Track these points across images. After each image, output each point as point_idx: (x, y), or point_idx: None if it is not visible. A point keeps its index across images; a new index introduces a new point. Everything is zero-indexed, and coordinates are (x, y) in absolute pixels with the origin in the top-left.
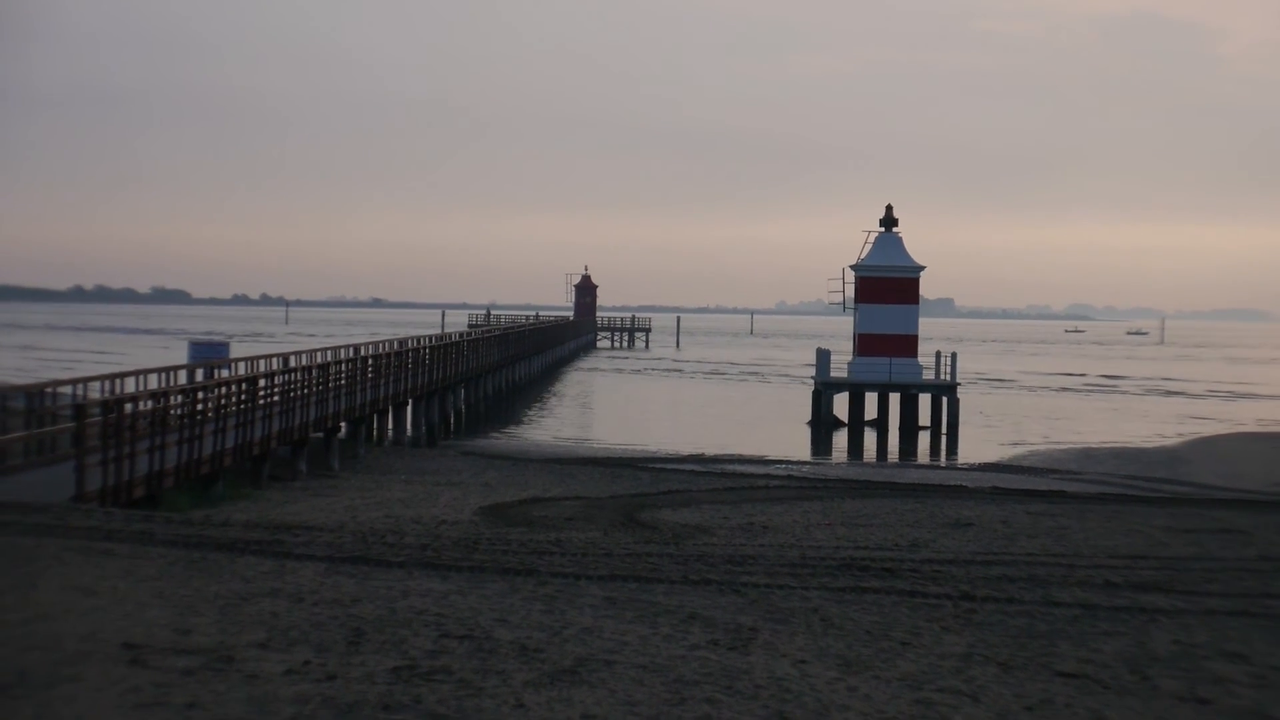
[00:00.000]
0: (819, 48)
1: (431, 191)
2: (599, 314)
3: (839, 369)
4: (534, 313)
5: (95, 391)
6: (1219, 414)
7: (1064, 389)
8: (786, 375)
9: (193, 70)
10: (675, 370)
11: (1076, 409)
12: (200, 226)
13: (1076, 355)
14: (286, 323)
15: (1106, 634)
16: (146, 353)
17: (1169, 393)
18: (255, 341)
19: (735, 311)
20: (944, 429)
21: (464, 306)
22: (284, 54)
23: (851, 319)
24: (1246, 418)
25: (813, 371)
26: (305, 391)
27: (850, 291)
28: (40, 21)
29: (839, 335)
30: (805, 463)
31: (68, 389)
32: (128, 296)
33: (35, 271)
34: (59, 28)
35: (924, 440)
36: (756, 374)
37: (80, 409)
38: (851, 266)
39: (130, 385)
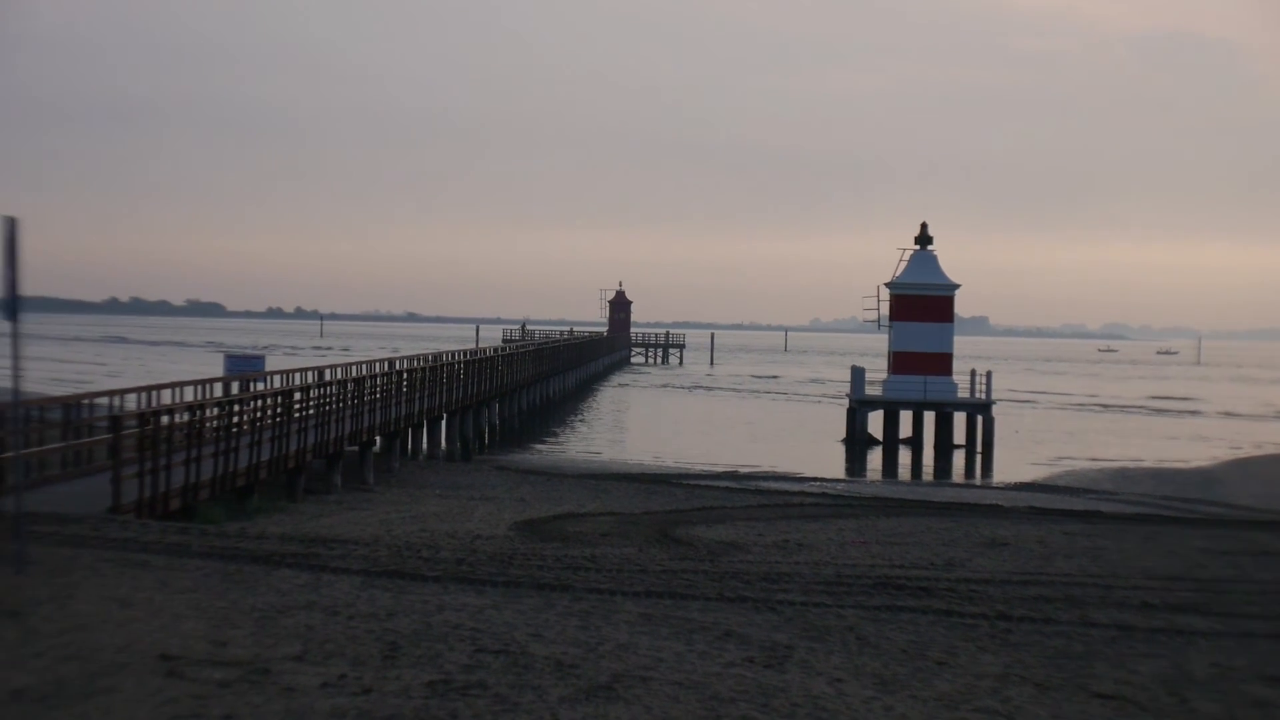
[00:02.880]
0: (854, 64)
1: (467, 206)
2: (633, 330)
3: (874, 387)
4: (569, 328)
5: (131, 403)
6: (1251, 435)
7: (1098, 408)
8: (821, 393)
9: (228, 82)
10: (709, 386)
11: (1110, 428)
12: (235, 240)
13: (1109, 375)
14: (321, 336)
15: (1144, 655)
16: (182, 365)
17: (1198, 413)
18: (290, 355)
19: (769, 328)
20: (979, 448)
21: (499, 321)
22: (321, 67)
23: (886, 337)
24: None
25: (847, 389)
26: (340, 405)
27: (885, 309)
28: (59, 32)
29: (873, 353)
30: (840, 480)
31: (104, 400)
32: (162, 309)
33: (70, 283)
34: (81, 38)
35: (959, 459)
36: (791, 391)
37: (116, 421)
38: (886, 284)
39: (166, 397)
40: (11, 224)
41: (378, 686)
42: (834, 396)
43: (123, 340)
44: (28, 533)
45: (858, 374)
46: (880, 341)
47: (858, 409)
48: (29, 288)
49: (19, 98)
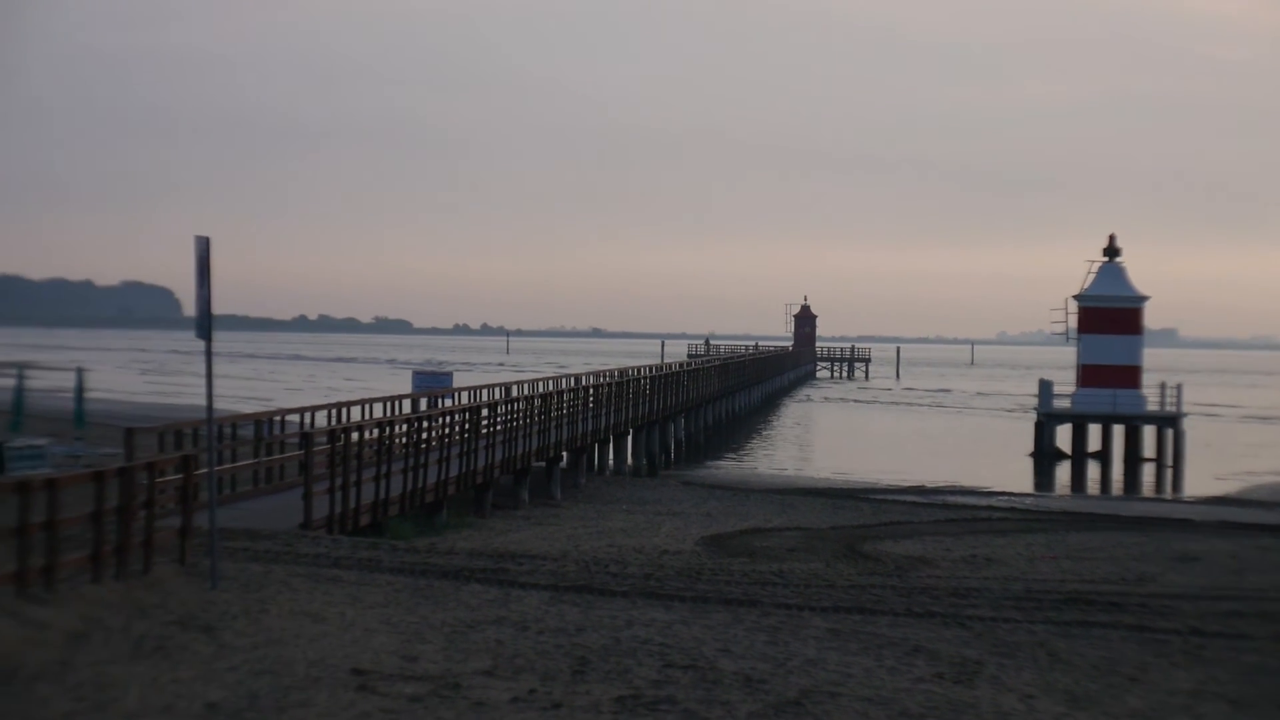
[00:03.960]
0: (1037, 75)
1: (649, 223)
2: (818, 344)
3: (1061, 400)
4: (753, 343)
5: (321, 420)
6: None
7: None
8: (1001, 406)
9: (410, 103)
10: (895, 401)
11: None
12: (423, 258)
13: None
14: (507, 352)
15: None
16: (353, 382)
17: None
18: (476, 371)
19: (955, 342)
20: (1169, 461)
21: (683, 336)
22: (493, 84)
23: (1074, 350)
24: None
25: (1034, 403)
26: (527, 421)
27: (1073, 322)
28: (244, 58)
29: (1060, 366)
30: (1027, 495)
31: (294, 417)
32: (350, 326)
33: (259, 302)
34: (266, 62)
35: (1148, 472)
36: (977, 405)
37: (307, 437)
38: (1074, 297)
39: (355, 414)
40: (204, 243)
41: (567, 701)
42: (1008, 410)
43: (299, 357)
44: (221, 549)
45: (1045, 387)
46: (1068, 355)
47: (1046, 422)
48: (220, 307)
49: (210, 122)
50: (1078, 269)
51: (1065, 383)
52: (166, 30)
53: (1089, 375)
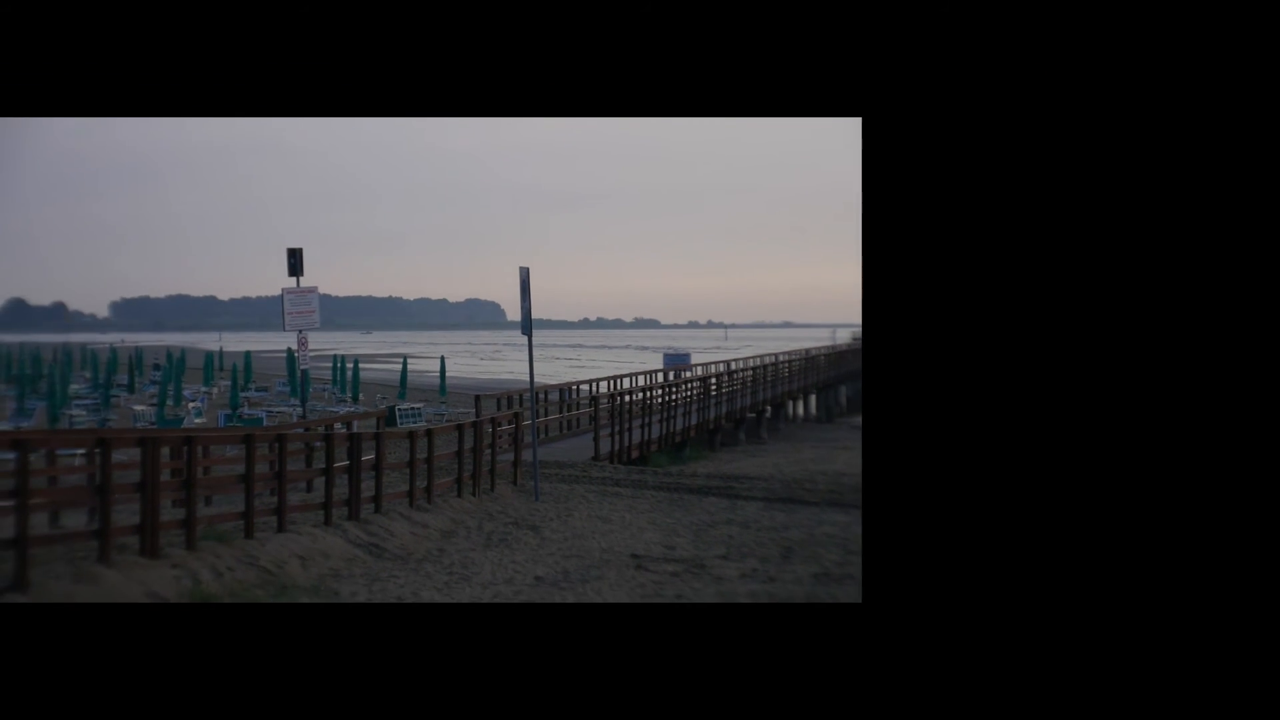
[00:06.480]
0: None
1: (819, 243)
2: None
3: None
4: None
5: (604, 387)
6: None
7: None
8: None
9: (657, 176)
10: None
11: None
12: (665, 276)
13: None
14: (726, 339)
15: None
16: (633, 362)
17: None
18: (707, 352)
19: None
20: None
21: (848, 324)
22: (707, 155)
23: None
24: None
25: None
26: (742, 386)
27: None
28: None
29: None
30: None
31: (585, 387)
32: (616, 324)
33: (555, 309)
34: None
35: None
36: None
37: (594, 399)
38: None
39: (625, 383)
40: (525, 271)
41: (779, 576)
42: None
43: (606, 346)
44: (540, 474)
45: None
46: None
47: None
48: (536, 313)
49: (534, 192)
50: None
51: None
52: (497, 132)
53: None
